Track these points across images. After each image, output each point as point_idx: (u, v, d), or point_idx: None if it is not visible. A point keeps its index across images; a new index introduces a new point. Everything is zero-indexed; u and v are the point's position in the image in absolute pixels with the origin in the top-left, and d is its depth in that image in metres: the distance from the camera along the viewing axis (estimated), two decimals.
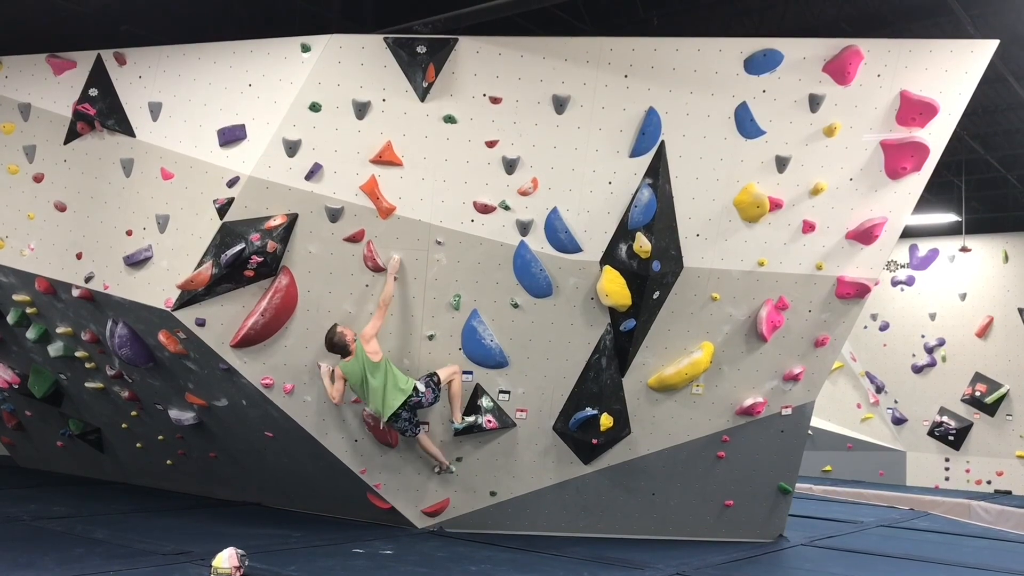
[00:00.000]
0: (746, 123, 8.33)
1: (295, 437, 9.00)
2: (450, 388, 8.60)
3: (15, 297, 10.17)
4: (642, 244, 8.25)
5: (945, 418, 17.51)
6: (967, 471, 17.38)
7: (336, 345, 8.35)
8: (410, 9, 9.14)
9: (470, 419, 8.69)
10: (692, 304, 8.66)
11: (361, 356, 8.25)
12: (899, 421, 17.97)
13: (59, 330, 10.15)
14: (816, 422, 16.05)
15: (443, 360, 8.68)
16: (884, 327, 18.02)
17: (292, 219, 8.36)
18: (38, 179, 9.72)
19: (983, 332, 17.16)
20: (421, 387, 8.35)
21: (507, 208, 8.42)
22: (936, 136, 8.49)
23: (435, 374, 8.49)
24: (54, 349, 10.43)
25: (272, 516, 9.70)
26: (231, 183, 8.39)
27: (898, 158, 8.45)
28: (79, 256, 9.37)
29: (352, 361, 8.31)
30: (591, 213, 8.46)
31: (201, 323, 8.54)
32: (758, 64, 8.24)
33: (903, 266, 17.95)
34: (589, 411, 8.74)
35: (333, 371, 8.51)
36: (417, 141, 8.37)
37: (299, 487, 9.85)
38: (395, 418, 8.37)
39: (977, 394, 17.16)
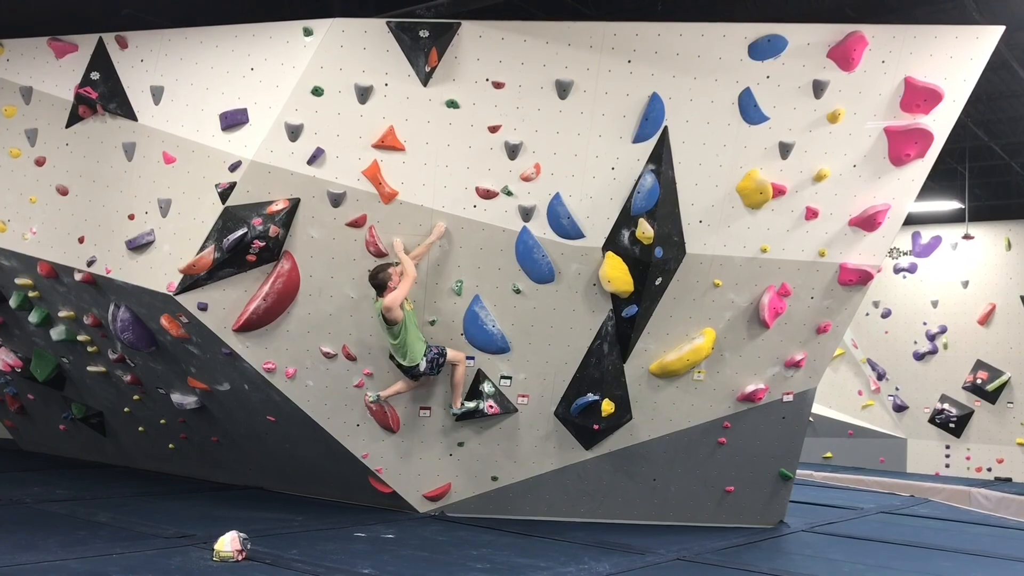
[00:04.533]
0: (750, 109, 8.30)
1: (297, 421, 9.02)
2: (454, 373, 8.60)
3: (17, 281, 10.18)
4: (645, 230, 8.24)
5: (946, 405, 17.52)
6: (967, 458, 17.41)
7: (375, 279, 8.26)
8: None
9: (470, 405, 8.69)
10: (694, 290, 8.65)
11: (378, 312, 8.24)
12: (900, 408, 17.99)
13: (61, 314, 10.16)
14: (817, 409, 16.05)
15: (446, 344, 8.68)
16: (886, 314, 18.02)
17: (294, 204, 8.35)
18: (40, 163, 9.70)
19: (985, 320, 17.16)
20: (422, 368, 8.36)
21: (509, 194, 8.41)
22: (940, 123, 8.47)
23: (445, 353, 8.47)
24: (56, 333, 10.44)
25: (274, 500, 9.74)
26: (233, 167, 8.37)
27: (902, 145, 8.42)
28: (81, 240, 9.36)
29: (377, 305, 8.29)
30: (594, 199, 8.44)
31: (203, 307, 8.55)
32: (762, 50, 8.20)
33: (906, 253, 17.93)
34: (590, 397, 8.75)
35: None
36: (419, 126, 8.34)
37: (301, 471, 9.88)
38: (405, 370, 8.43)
39: (978, 381, 17.17)
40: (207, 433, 10.30)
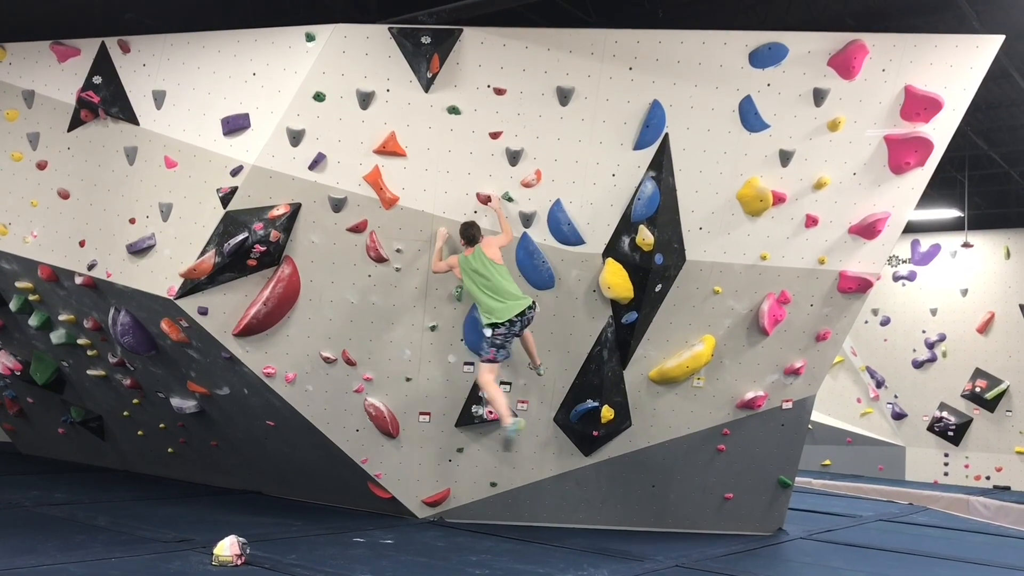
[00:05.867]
0: (750, 117, 8.32)
1: (296, 426, 9.02)
2: (526, 339, 8.41)
3: (18, 284, 10.17)
4: (645, 237, 8.26)
5: (945, 413, 17.54)
6: (966, 466, 17.42)
7: (468, 229, 8.18)
8: None
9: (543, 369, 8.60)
10: (694, 297, 8.67)
11: (479, 255, 8.05)
12: (899, 416, 18.00)
13: (61, 317, 10.16)
14: (816, 416, 16.07)
15: (445, 350, 8.70)
16: (885, 322, 18.04)
17: (295, 209, 8.36)
18: (41, 166, 9.71)
19: (984, 328, 17.18)
20: (538, 308, 8.18)
21: (510, 199, 8.42)
22: (940, 131, 8.49)
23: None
24: (56, 336, 10.44)
25: (273, 505, 9.73)
26: (235, 172, 8.39)
27: (902, 153, 8.44)
28: (82, 244, 9.37)
29: (470, 257, 8.09)
30: (594, 205, 8.46)
31: (204, 312, 8.55)
32: (763, 57, 8.23)
33: (905, 261, 17.95)
34: (590, 403, 8.75)
35: (446, 244, 8.36)
36: (421, 132, 8.36)
37: (300, 476, 9.87)
38: (509, 324, 8.00)
39: (977, 390, 17.19)
40: (206, 437, 10.30)
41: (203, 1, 9.96)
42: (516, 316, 8.01)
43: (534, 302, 8.16)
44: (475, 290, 8.11)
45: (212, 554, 6.77)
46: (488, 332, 8.08)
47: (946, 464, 17.58)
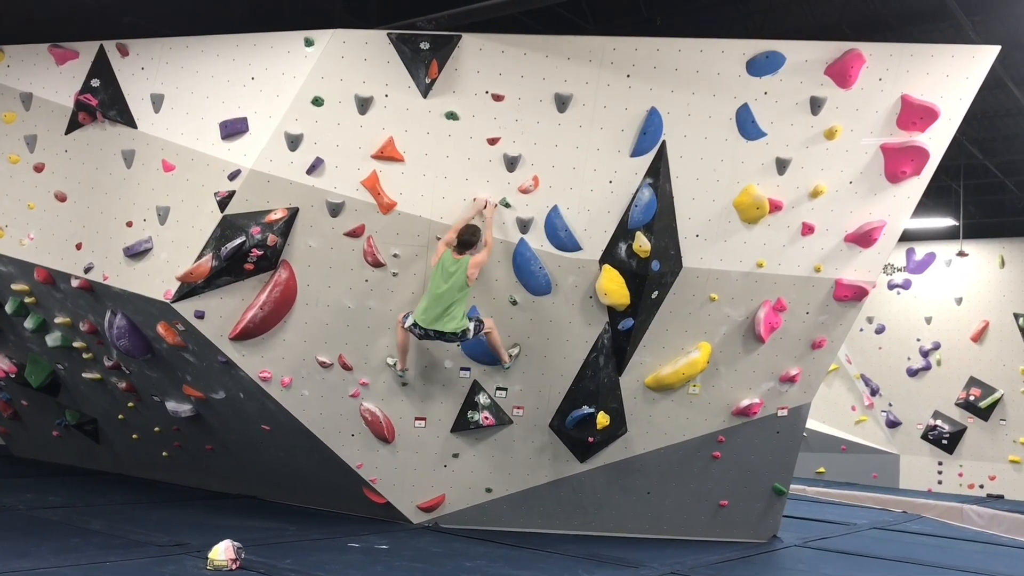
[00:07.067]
0: (747, 124, 8.35)
1: (292, 431, 9.01)
2: (491, 340, 8.48)
3: (14, 286, 10.15)
4: (641, 244, 8.27)
5: (939, 422, 17.56)
6: (960, 475, 17.44)
7: (465, 233, 8.15)
8: (414, 5, 9.15)
9: (514, 351, 8.66)
10: (690, 304, 8.68)
11: (464, 265, 8.06)
12: (893, 424, 18.02)
13: (57, 320, 10.14)
14: (811, 424, 16.02)
15: (442, 355, 8.71)
16: (880, 330, 18.06)
17: (293, 213, 8.37)
18: (39, 169, 9.70)
19: (978, 337, 17.22)
20: (471, 334, 8.25)
21: (508, 205, 8.44)
22: (936, 141, 8.53)
23: (482, 323, 8.36)
24: (52, 339, 10.42)
25: (267, 509, 9.72)
26: (232, 176, 8.40)
27: (898, 162, 8.48)
28: (79, 246, 9.36)
29: (455, 261, 8.10)
30: (591, 212, 8.48)
31: (200, 315, 8.54)
32: (760, 66, 8.26)
33: (900, 269, 17.99)
34: (586, 409, 8.76)
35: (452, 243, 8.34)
36: (419, 137, 8.38)
37: (295, 480, 9.86)
38: (424, 329, 8.14)
39: (971, 398, 17.22)
40: (201, 441, 10.28)
41: (202, 5, 9.97)
42: (431, 329, 8.11)
43: (464, 332, 8.16)
44: (431, 286, 8.19)
45: (207, 558, 6.77)
46: (410, 320, 8.25)
47: (940, 472, 17.60)
